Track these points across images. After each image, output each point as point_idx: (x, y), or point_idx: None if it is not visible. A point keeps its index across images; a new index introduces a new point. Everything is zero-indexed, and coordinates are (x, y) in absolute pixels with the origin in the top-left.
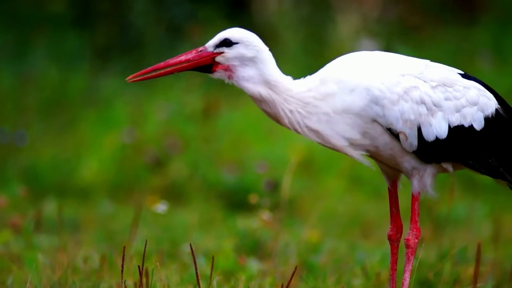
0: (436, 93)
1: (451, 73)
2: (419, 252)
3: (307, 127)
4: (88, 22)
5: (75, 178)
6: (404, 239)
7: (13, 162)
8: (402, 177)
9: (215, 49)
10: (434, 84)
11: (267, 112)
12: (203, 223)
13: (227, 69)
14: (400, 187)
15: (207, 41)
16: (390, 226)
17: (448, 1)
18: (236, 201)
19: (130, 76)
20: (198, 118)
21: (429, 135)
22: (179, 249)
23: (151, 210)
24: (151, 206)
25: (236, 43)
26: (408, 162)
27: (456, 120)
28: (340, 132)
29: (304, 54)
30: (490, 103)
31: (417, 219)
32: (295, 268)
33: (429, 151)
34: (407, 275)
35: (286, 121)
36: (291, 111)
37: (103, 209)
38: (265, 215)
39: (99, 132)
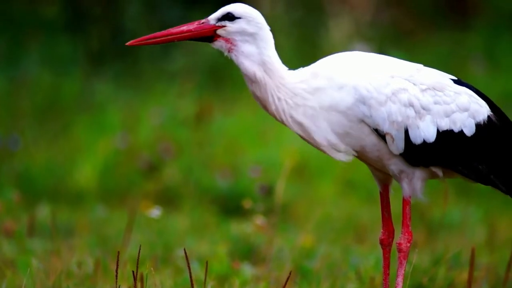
0: (425, 96)
1: (443, 78)
2: (413, 256)
3: (292, 117)
4: (81, 27)
5: (68, 183)
6: (396, 243)
7: (6, 166)
8: (394, 182)
9: (217, 22)
10: (423, 87)
11: (256, 96)
12: (197, 228)
13: (228, 41)
14: (391, 192)
15: (200, 45)
16: (381, 230)
17: (440, 6)
18: (230, 206)
19: (132, 41)
20: (191, 123)
21: (416, 138)
22: (173, 254)
23: (145, 215)
24: (145, 211)
25: (239, 17)
26: (395, 165)
27: (445, 125)
28: (322, 130)
29: (297, 58)
30: (481, 110)
31: (408, 223)
32: (290, 273)
33: (416, 154)
34: (400, 280)
35: (273, 107)
36: (279, 99)
37: (96, 214)
38: (259, 220)
39: (92, 137)
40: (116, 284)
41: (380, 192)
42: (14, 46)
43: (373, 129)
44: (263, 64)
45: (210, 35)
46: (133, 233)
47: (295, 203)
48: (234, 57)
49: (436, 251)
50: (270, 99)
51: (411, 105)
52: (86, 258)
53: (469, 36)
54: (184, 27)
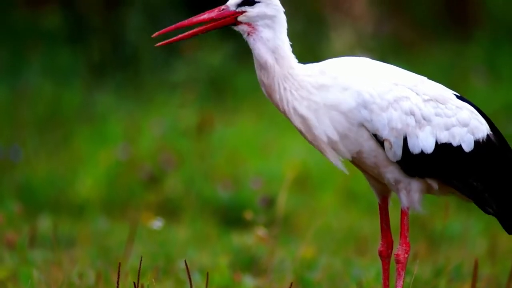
0: (427, 107)
1: (446, 92)
2: (414, 268)
3: (294, 109)
4: (82, 38)
5: (70, 194)
6: (394, 254)
7: (7, 178)
8: (393, 194)
9: (237, 8)
10: (426, 98)
11: (263, 82)
12: (198, 239)
13: (250, 25)
14: (390, 204)
15: (202, 56)
16: (380, 242)
17: (442, 17)
18: (231, 217)
19: (156, 34)
20: (192, 134)
21: (414, 147)
22: (174, 265)
23: (146, 226)
24: (146, 222)
25: (258, 1)
26: (391, 173)
27: (444, 138)
28: (324, 126)
29: None
30: (481, 127)
31: (406, 234)
32: (291, 285)
33: (413, 163)
34: None
35: (277, 96)
36: (285, 89)
37: (98, 225)
38: (260, 231)
39: (93, 148)
40: None
41: (379, 204)
42: (15, 57)
43: (372, 134)
44: (276, 51)
45: (232, 23)
46: (135, 244)
47: (296, 215)
48: (252, 41)
49: (437, 262)
50: (276, 87)
51: (412, 113)
52: (87, 270)
53: (470, 48)
54: (205, 15)
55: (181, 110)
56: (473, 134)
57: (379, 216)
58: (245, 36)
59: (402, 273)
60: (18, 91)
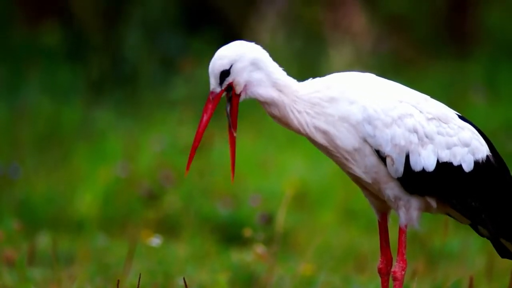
0: (430, 125)
1: (449, 111)
2: (413, 285)
3: (315, 127)
4: (81, 55)
5: (69, 212)
6: (391, 271)
7: (6, 195)
8: (392, 212)
9: (222, 86)
10: (429, 116)
11: (275, 116)
12: (197, 256)
13: (245, 87)
14: (389, 221)
15: (200, 73)
16: (380, 259)
17: (441, 35)
18: (230, 235)
19: (187, 169)
20: None
21: (416, 165)
22: (173, 283)
23: (145, 243)
24: (145, 239)
25: (231, 66)
26: (391, 190)
27: (445, 156)
28: (345, 135)
29: None
30: (482, 148)
31: (404, 251)
32: None
33: (413, 180)
34: None
35: (295, 122)
36: (299, 112)
37: (97, 242)
38: (259, 248)
39: (93, 165)
40: None
41: (378, 221)
42: (14, 74)
43: (375, 150)
44: (276, 85)
45: (229, 97)
46: (134, 261)
47: (295, 232)
48: (249, 93)
49: (436, 279)
50: (291, 115)
51: (415, 131)
52: (86, 287)
53: (469, 66)
54: (205, 117)
55: (180, 127)
56: (473, 155)
57: (378, 233)
58: (244, 97)
59: None
60: (17, 109)
